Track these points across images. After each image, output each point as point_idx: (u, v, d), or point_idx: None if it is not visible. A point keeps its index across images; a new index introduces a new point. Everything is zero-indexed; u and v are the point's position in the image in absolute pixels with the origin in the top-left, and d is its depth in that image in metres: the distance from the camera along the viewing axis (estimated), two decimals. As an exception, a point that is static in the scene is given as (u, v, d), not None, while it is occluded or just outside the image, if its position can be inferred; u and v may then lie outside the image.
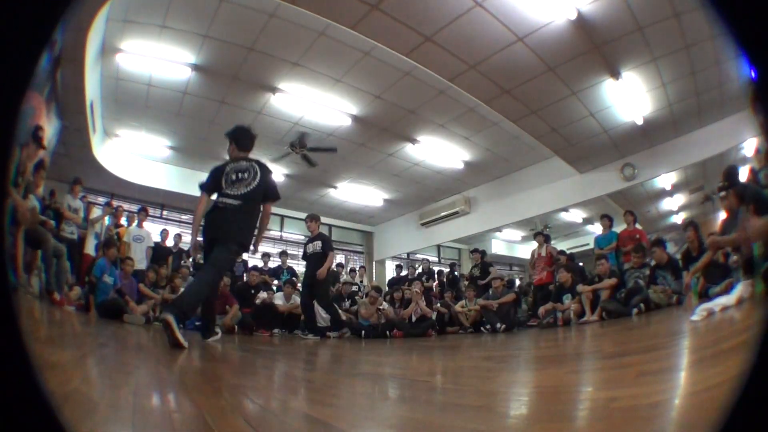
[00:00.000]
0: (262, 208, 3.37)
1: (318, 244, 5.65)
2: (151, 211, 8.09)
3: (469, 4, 4.42)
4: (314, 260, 5.56)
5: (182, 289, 6.36)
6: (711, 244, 3.91)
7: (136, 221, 7.03)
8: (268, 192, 3.34)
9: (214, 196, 3.26)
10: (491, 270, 8.05)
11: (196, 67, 5.81)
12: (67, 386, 0.99)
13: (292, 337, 5.73)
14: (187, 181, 8.91)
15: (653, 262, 5.51)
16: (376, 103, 6.63)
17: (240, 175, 3.25)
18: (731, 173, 3.91)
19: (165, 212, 9.74)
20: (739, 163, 6.17)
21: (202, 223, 3.26)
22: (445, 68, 5.43)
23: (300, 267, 9.60)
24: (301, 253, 6.22)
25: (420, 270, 9.56)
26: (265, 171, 3.36)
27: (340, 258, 11.63)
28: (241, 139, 3.52)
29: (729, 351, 1.33)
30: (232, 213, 3.12)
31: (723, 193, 4.18)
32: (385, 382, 1.85)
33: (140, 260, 6.53)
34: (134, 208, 8.39)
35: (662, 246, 5.51)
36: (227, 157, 3.50)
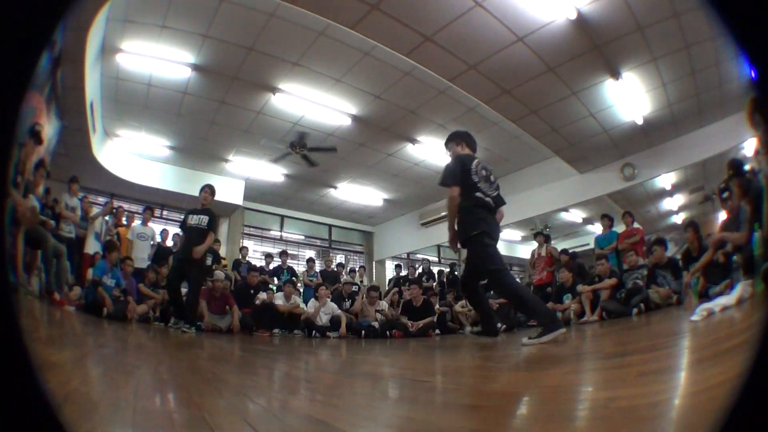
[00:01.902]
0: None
1: (204, 218, 5.00)
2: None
3: (469, 4, 4.42)
4: (196, 235, 4.92)
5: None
6: (715, 241, 3.90)
7: (140, 220, 7.03)
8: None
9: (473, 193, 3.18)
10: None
11: (196, 67, 5.81)
12: (67, 386, 0.99)
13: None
14: (187, 181, 8.92)
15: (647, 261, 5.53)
16: (376, 103, 6.63)
17: (487, 173, 3.29)
18: (737, 164, 3.88)
19: (165, 212, 9.74)
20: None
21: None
22: (445, 68, 5.43)
23: (300, 267, 9.63)
24: (182, 225, 5.34)
25: (420, 270, 9.56)
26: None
27: (340, 258, 11.65)
28: (471, 140, 3.50)
29: (729, 351, 1.33)
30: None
31: (725, 185, 4.17)
32: (385, 382, 1.85)
33: (143, 259, 6.54)
34: (134, 208, 8.40)
35: (663, 245, 5.51)
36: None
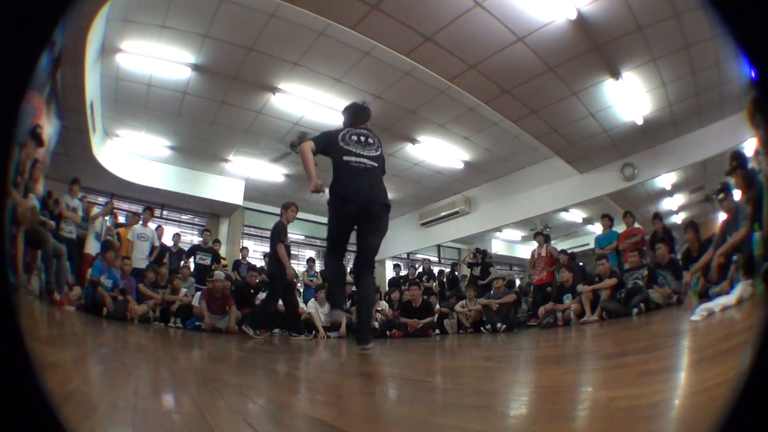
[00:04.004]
0: None
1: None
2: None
3: (469, 4, 4.42)
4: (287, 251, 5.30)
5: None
6: (719, 255, 3.87)
7: (140, 221, 7.03)
8: None
9: None
10: (492, 270, 8.06)
11: (196, 67, 5.81)
12: (67, 386, 0.99)
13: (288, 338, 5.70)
14: (187, 181, 8.93)
15: (649, 259, 5.55)
16: (376, 103, 6.62)
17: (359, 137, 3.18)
18: (740, 155, 3.88)
19: (165, 212, 9.74)
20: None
21: None
22: (445, 68, 5.43)
23: (300, 267, 9.62)
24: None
25: (420, 270, 9.55)
26: None
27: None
28: (353, 112, 3.32)
29: (729, 351, 1.33)
30: None
31: (721, 186, 4.17)
32: (385, 382, 1.85)
33: (143, 259, 6.54)
34: (134, 208, 8.40)
35: (667, 244, 5.52)
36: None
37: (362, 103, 3.38)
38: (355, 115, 3.28)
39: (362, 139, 3.09)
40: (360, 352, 2.87)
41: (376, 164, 3.03)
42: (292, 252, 9.51)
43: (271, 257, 5.33)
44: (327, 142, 3.10)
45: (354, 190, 2.93)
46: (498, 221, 10.12)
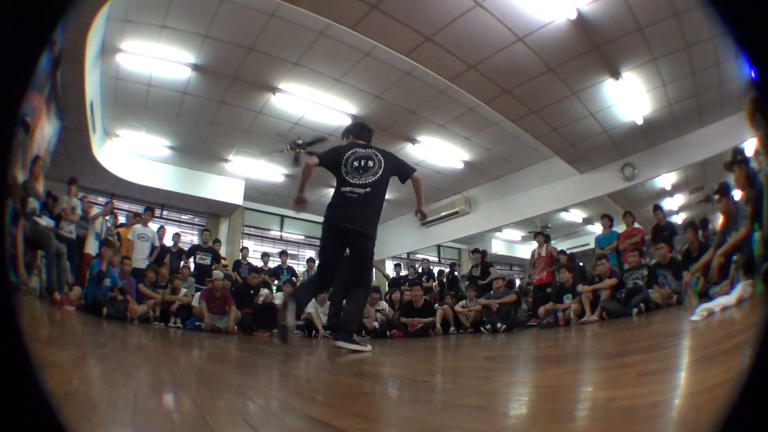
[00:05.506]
0: None
1: None
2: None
3: (469, 4, 4.42)
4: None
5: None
6: (719, 255, 3.87)
7: (141, 221, 7.03)
8: None
9: None
10: (492, 270, 8.05)
11: (196, 67, 5.81)
12: (67, 386, 0.99)
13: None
14: (187, 181, 8.93)
15: (653, 260, 5.55)
16: (376, 103, 6.63)
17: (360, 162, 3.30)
18: (741, 151, 3.88)
19: (165, 212, 9.74)
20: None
21: None
22: (445, 68, 5.43)
23: (300, 267, 9.63)
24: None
25: (420, 270, 9.55)
26: None
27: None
28: (358, 131, 3.49)
29: (729, 351, 1.33)
30: None
31: (719, 187, 4.17)
32: (385, 381, 1.85)
33: (143, 259, 6.54)
34: (134, 208, 8.41)
35: (668, 243, 5.53)
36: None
37: (366, 124, 3.58)
38: (361, 132, 3.45)
39: (363, 163, 3.21)
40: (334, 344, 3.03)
41: (370, 190, 3.14)
42: (290, 252, 9.51)
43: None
44: (333, 161, 3.25)
45: (339, 216, 3.12)
46: (498, 221, 10.12)
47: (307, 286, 3.66)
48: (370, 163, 3.21)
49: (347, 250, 3.23)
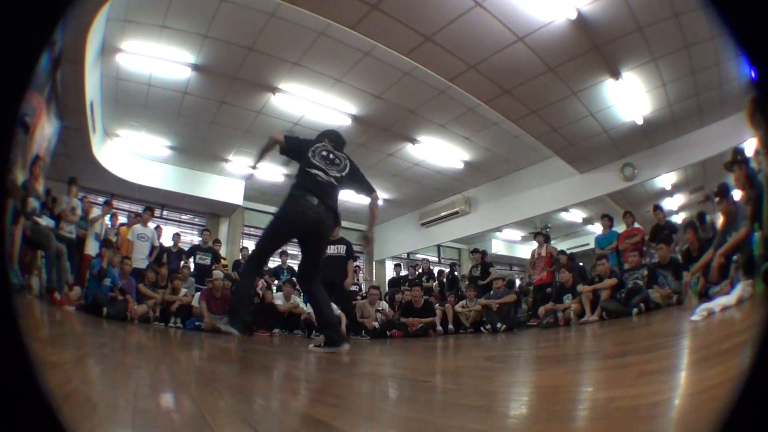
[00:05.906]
0: None
1: (342, 247, 5.65)
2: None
3: (469, 4, 4.42)
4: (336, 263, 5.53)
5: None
6: (719, 255, 3.87)
7: (140, 221, 7.03)
8: None
9: None
10: (492, 270, 8.05)
11: (196, 67, 5.81)
12: (67, 386, 0.99)
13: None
14: (187, 181, 8.93)
15: (653, 260, 5.57)
16: (376, 103, 6.63)
17: (329, 154, 3.26)
18: (742, 151, 3.88)
19: (165, 212, 9.74)
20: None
21: None
22: (445, 68, 5.43)
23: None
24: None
25: (420, 270, 9.55)
26: None
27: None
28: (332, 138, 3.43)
29: (729, 351, 1.33)
30: None
31: (718, 188, 4.17)
32: (385, 382, 1.85)
33: (143, 259, 6.54)
34: (134, 208, 8.40)
35: (668, 243, 5.53)
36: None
37: (341, 134, 3.52)
38: (336, 138, 3.41)
39: (331, 156, 3.17)
40: (332, 351, 2.91)
41: (335, 183, 3.09)
42: (291, 252, 9.52)
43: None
44: (300, 146, 3.17)
45: (307, 204, 2.90)
46: (498, 221, 10.12)
47: (246, 298, 3.38)
48: (338, 161, 3.18)
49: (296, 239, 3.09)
